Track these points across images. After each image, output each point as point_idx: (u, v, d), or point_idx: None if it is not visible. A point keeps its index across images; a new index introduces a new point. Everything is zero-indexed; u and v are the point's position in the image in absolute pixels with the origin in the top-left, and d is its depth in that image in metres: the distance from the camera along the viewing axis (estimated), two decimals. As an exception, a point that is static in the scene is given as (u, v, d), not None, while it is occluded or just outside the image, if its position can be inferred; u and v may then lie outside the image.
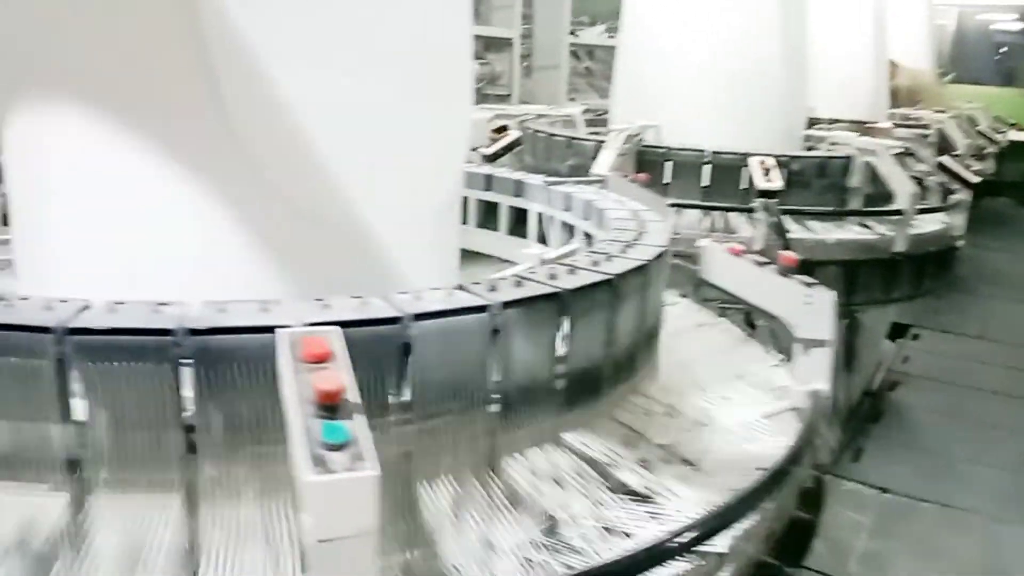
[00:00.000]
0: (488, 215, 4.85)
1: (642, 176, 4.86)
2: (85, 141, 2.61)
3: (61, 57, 2.61)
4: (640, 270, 2.81)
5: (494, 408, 2.37)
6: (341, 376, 1.74)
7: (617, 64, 8.42)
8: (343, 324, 2.05)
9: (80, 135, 2.61)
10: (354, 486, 1.55)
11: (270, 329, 2.02)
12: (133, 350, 1.99)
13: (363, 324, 2.11)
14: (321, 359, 1.83)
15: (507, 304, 2.32)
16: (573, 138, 7.13)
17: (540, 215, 4.60)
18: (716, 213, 6.53)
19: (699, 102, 7.44)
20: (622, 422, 2.75)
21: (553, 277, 2.57)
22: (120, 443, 2.04)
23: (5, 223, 4.12)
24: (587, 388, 2.64)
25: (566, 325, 2.48)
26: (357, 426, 1.67)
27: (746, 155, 6.32)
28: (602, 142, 6.97)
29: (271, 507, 2.05)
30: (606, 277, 2.62)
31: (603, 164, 6.57)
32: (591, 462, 2.52)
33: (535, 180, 4.69)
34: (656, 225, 3.45)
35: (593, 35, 15.71)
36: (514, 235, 4.77)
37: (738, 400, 3.11)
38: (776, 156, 6.31)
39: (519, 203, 4.72)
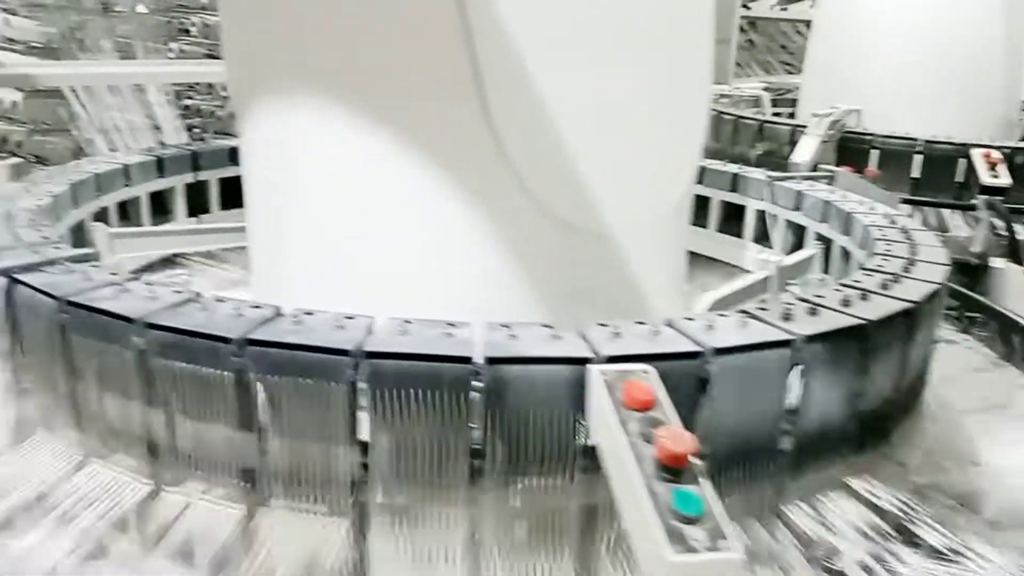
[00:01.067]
0: (696, 210, 4.56)
1: (872, 171, 4.44)
2: (345, 147, 2.52)
3: (323, 59, 2.52)
4: (936, 295, 2.49)
5: (783, 451, 2.13)
6: (685, 435, 1.54)
7: (812, 40, 7.87)
8: (641, 358, 1.86)
9: (340, 141, 2.51)
10: (719, 569, 1.36)
11: (569, 361, 1.86)
12: (428, 378, 1.86)
13: (661, 358, 1.91)
14: (645, 406, 1.64)
15: (811, 338, 2.06)
16: (765, 121, 6.68)
17: (760, 213, 4.29)
18: (928, 209, 5.98)
19: (907, 85, 6.83)
20: (908, 468, 2.45)
21: (847, 303, 2.29)
22: (403, 468, 1.93)
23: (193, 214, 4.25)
24: (876, 430, 2.36)
25: (867, 360, 2.21)
26: (708, 495, 1.47)
27: (966, 145, 5.72)
28: (798, 127, 6.53)
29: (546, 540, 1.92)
30: (907, 305, 2.32)
31: (804, 152, 6.14)
32: (882, 513, 2.25)
33: (755, 174, 4.37)
34: (923, 235, 3.10)
35: (765, 7, 14.91)
36: (724, 232, 4.48)
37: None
38: (1001, 147, 5.68)
39: (734, 198, 4.42)
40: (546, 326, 2.06)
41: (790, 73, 11.99)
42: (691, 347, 1.98)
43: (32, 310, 2.19)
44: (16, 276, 2.22)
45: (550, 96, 2.57)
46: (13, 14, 8.67)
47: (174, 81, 7.83)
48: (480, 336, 1.97)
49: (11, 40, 8.61)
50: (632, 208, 2.94)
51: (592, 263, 2.88)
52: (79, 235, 3.48)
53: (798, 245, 4.07)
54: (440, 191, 2.51)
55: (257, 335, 1.91)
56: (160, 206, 4.08)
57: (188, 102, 9.43)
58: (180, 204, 4.14)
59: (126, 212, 3.90)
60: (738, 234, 4.40)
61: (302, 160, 2.66)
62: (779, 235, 4.15)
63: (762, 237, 4.34)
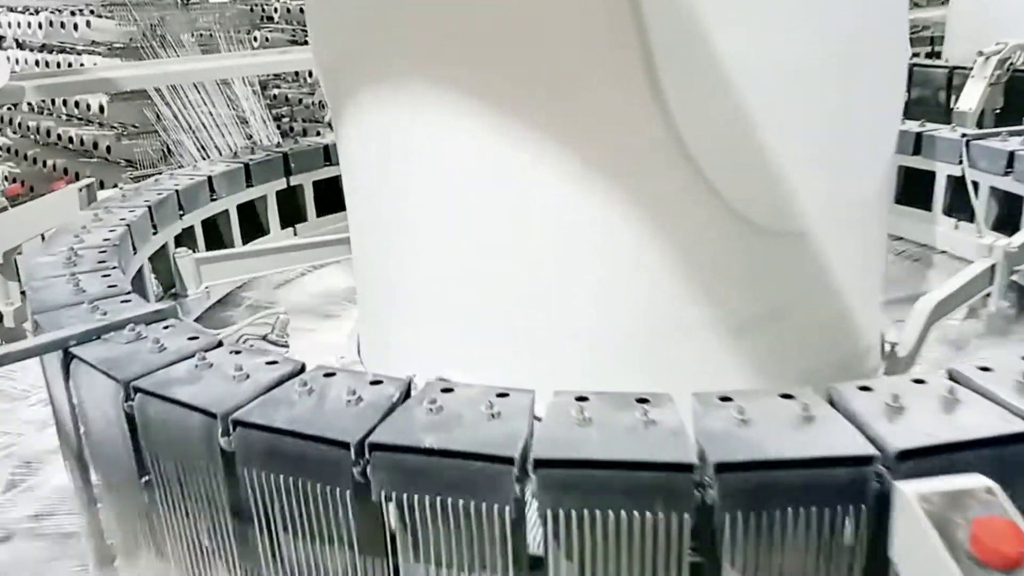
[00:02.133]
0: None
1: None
2: (482, 153, 1.95)
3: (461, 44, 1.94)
4: None
5: None
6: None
7: (961, -32, 6.84)
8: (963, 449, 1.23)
9: (476, 146, 1.94)
10: None
11: (846, 462, 1.25)
12: (634, 491, 1.28)
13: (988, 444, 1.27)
14: (1015, 564, 1.01)
15: None
16: (915, 65, 5.77)
17: (954, 179, 3.52)
18: None
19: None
20: None
21: None
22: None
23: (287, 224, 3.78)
24: None
25: None
26: None
27: None
28: (957, 68, 5.61)
29: None
30: None
31: (970, 98, 5.24)
32: None
33: (944, 132, 3.59)
34: None
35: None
36: (903, 204, 3.73)
37: None
38: None
39: (917, 163, 3.66)
40: (785, 395, 1.44)
41: (917, 5, 10.74)
42: None
43: (91, 392, 1.71)
44: (72, 349, 1.73)
45: (732, 68, 1.94)
46: (95, 15, 8.45)
47: (259, 73, 7.41)
48: (699, 423, 1.37)
49: (94, 43, 8.38)
50: (833, 195, 2.28)
51: (789, 274, 2.24)
52: (162, 264, 3.04)
53: (1009, 219, 3.30)
54: (605, 200, 1.92)
55: (383, 436, 1.37)
56: (250, 218, 3.62)
57: (275, 91, 9.07)
58: (273, 215, 3.67)
59: (214, 229, 3.45)
60: (925, 206, 3.65)
61: (422, 171, 2.11)
62: (982, 207, 3.38)
63: (955, 209, 3.57)
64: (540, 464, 1.30)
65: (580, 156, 1.90)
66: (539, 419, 1.46)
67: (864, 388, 1.45)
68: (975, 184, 3.40)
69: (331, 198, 3.77)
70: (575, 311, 2.08)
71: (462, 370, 2.14)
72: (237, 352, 1.69)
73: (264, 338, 2.31)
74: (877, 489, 1.27)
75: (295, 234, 3.74)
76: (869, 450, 1.29)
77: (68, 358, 1.74)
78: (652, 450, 1.29)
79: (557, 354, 2.13)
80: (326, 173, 3.78)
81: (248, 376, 1.58)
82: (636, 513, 1.28)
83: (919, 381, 1.47)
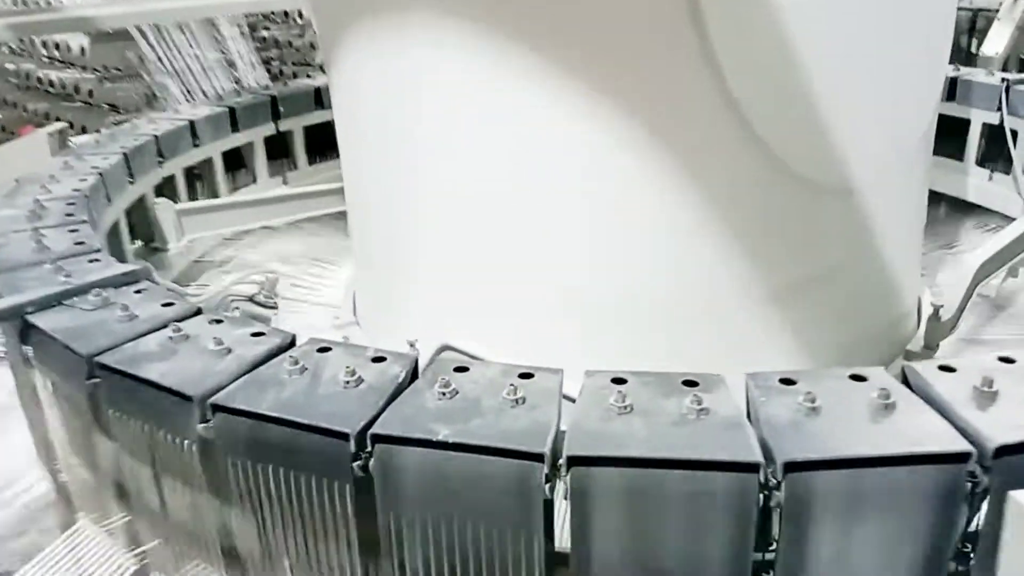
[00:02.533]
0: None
1: None
2: (510, 100, 1.72)
3: None
4: None
5: None
6: None
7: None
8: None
9: (502, 93, 1.71)
10: None
11: (942, 459, 1.05)
12: (681, 490, 1.08)
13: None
14: None
15: None
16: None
17: (991, 128, 3.28)
18: None
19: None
20: None
21: None
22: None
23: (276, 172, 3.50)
24: None
25: None
26: None
27: None
28: (982, 11, 5.33)
29: None
30: None
31: (997, 42, 4.98)
32: None
33: (981, 77, 3.34)
34: None
35: None
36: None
37: None
38: None
39: (951, 110, 3.41)
40: (855, 376, 1.24)
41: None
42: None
43: (51, 367, 1.51)
44: (30, 317, 1.52)
45: (778, 9, 1.70)
46: (73, -49, 8.03)
47: (247, 12, 7.05)
48: (759, 410, 1.17)
49: (72, -21, 7.97)
50: (882, 144, 2.06)
51: (837, 232, 2.04)
52: (140, 215, 2.80)
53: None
54: (642, 152, 1.69)
55: (388, 427, 1.16)
56: (236, 166, 3.37)
57: (264, 33, 8.69)
58: (260, 162, 3.41)
59: (197, 179, 3.20)
60: (957, 156, 3.42)
61: (433, 112, 1.86)
62: (1021, 157, 3.15)
63: (989, 159, 3.34)
64: (575, 462, 1.10)
65: (615, 103, 1.68)
66: (570, 400, 1.26)
67: (946, 368, 1.25)
68: (1014, 133, 3.17)
69: (323, 143, 3.53)
70: (605, 273, 1.87)
71: (474, 338, 1.95)
72: (218, 321, 1.48)
73: (251, 299, 2.09)
74: (970, 490, 1.08)
75: (284, 183, 3.50)
76: (961, 445, 1.09)
77: (26, 327, 1.53)
78: (708, 446, 1.09)
79: (582, 320, 1.94)
80: (318, 118, 3.53)
81: (230, 350, 1.37)
82: (687, 518, 1.09)
83: (1007, 360, 1.27)
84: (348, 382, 1.25)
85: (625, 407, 1.17)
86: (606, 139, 1.72)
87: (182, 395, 1.26)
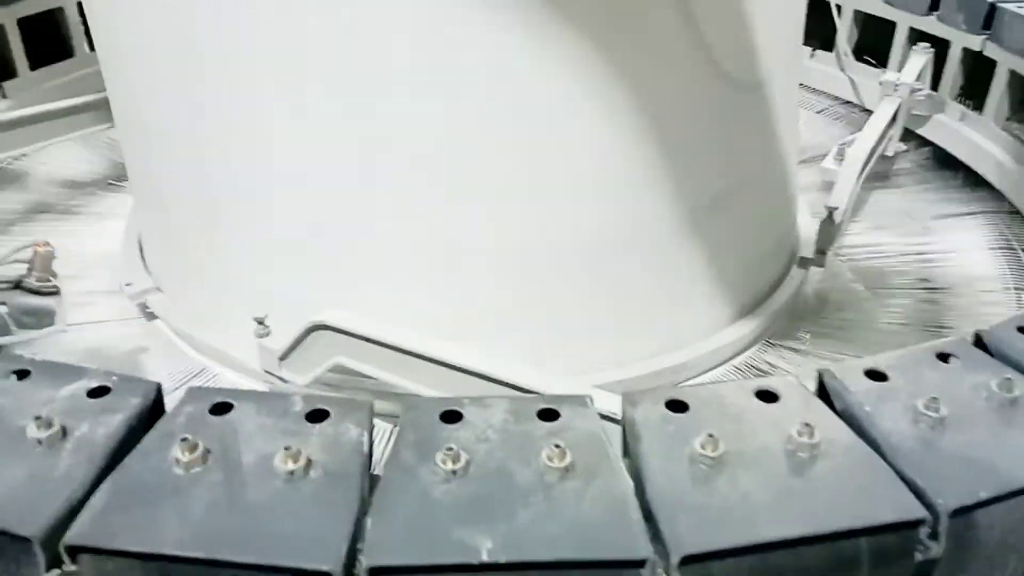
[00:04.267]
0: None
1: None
2: None
3: None
4: None
5: None
6: None
7: None
8: None
9: None
10: None
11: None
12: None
13: None
14: None
15: None
16: None
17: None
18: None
19: None
20: None
21: None
22: None
23: None
24: None
25: None
26: None
27: None
28: None
29: None
30: None
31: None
32: None
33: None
34: None
35: None
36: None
37: None
38: None
39: None
40: (942, 356, 0.98)
41: None
42: None
43: None
44: None
45: None
46: None
47: None
48: (880, 433, 0.88)
49: None
50: (781, 35, 1.80)
51: (749, 137, 1.78)
52: None
53: (869, 46, 3.03)
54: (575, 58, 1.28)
55: (391, 551, 0.74)
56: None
57: None
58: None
59: None
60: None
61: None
62: (844, 31, 3.07)
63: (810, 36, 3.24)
64: (689, 560, 0.75)
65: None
66: (612, 420, 0.91)
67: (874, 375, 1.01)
68: (839, 7, 3.07)
69: (48, 41, 2.71)
70: (521, 207, 1.49)
71: (355, 307, 1.51)
72: (22, 374, 0.92)
73: (19, 286, 1.47)
74: None
75: (3, 97, 2.65)
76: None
77: None
78: (853, 506, 0.79)
79: (494, 269, 1.56)
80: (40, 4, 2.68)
81: (65, 432, 0.84)
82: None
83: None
84: (292, 471, 0.79)
85: (713, 458, 0.83)
86: (525, 40, 1.29)
87: (10, 535, 0.74)
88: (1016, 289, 2.11)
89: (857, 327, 2.02)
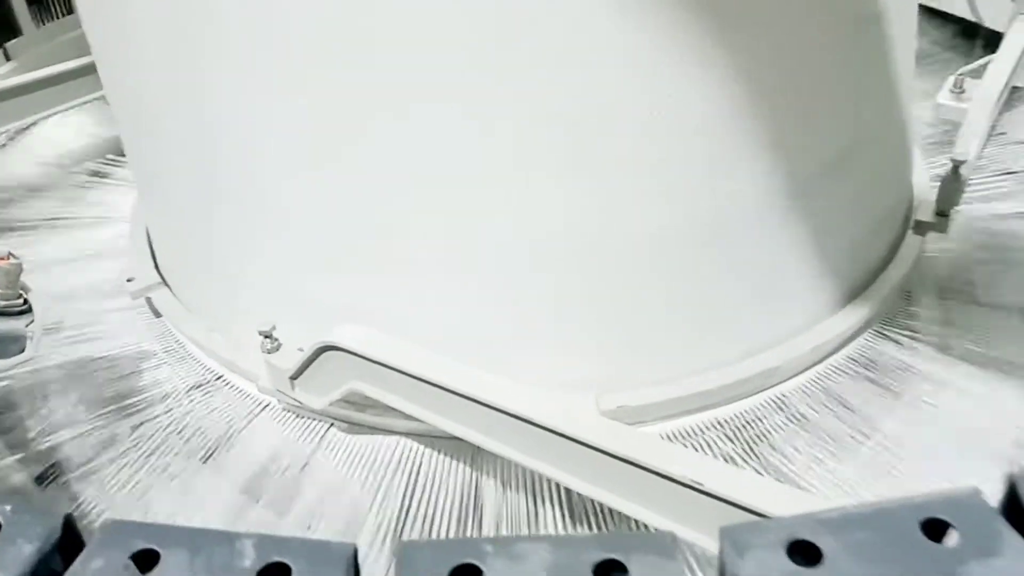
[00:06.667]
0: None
1: None
2: None
3: None
4: None
5: None
6: None
7: None
8: None
9: None
10: None
11: None
12: None
13: None
14: None
15: None
16: None
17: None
18: None
19: None
20: None
21: None
22: None
23: None
24: None
25: None
26: None
27: None
28: None
29: None
30: None
31: None
32: None
33: None
34: None
35: None
36: None
37: None
38: None
39: None
40: None
41: None
42: None
43: None
44: None
45: None
46: None
47: None
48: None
49: None
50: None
51: (877, 78, 1.41)
52: None
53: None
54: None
55: None
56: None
57: None
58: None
59: None
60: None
61: None
62: None
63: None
64: None
65: None
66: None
67: None
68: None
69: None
70: (589, 200, 1.18)
71: (383, 324, 1.25)
72: None
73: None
74: None
75: (7, 59, 2.42)
76: None
77: None
78: None
79: (554, 269, 1.26)
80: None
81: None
82: None
83: None
84: None
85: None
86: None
87: None
88: None
89: (987, 306, 1.66)
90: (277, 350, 1.35)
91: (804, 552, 0.61)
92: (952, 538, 0.63)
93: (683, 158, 1.25)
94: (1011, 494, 0.66)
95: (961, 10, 2.62)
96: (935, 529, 0.63)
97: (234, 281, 1.45)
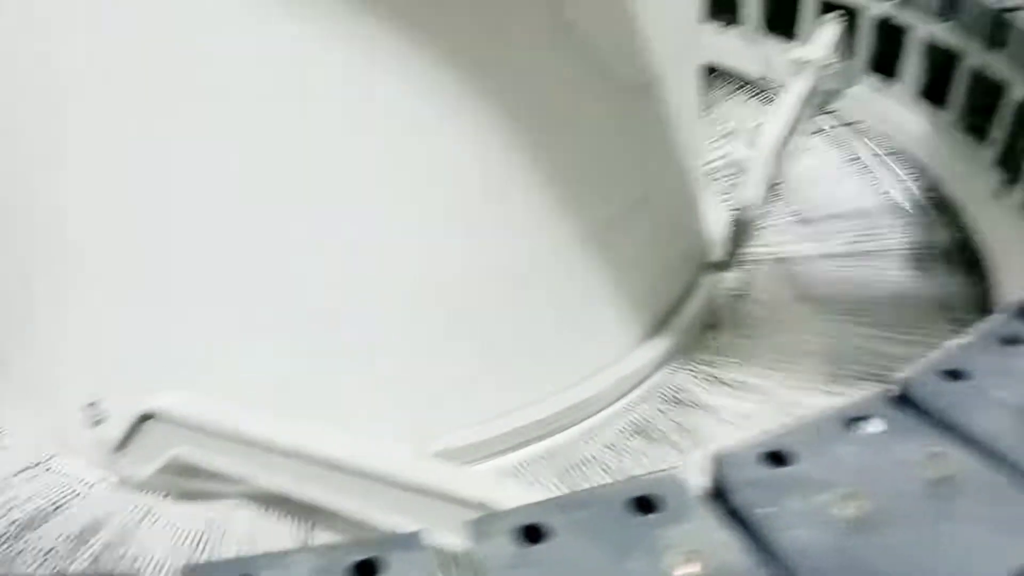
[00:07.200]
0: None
1: None
2: None
3: None
4: None
5: None
6: None
7: None
8: None
9: None
10: None
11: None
12: None
13: None
14: None
15: None
16: None
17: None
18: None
19: None
20: None
21: None
22: None
23: None
24: None
25: None
26: None
27: None
28: None
29: None
30: None
31: None
32: None
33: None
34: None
35: None
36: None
37: None
38: None
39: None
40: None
41: None
42: None
43: None
44: None
45: None
46: None
47: None
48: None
49: None
50: (668, 30, 1.61)
51: (648, 140, 1.59)
52: None
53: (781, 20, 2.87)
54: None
55: None
56: None
57: None
58: None
59: None
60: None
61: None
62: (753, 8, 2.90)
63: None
64: None
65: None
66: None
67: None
68: None
69: None
70: (406, 251, 1.28)
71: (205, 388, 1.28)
72: None
73: None
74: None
75: None
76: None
77: None
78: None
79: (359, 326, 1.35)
80: None
81: None
82: None
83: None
84: None
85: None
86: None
87: None
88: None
89: (774, 336, 1.85)
90: (100, 423, 1.38)
91: (531, 535, 0.72)
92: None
93: (480, 211, 1.37)
94: (904, 392, 0.80)
95: (755, 67, 2.95)
96: (643, 505, 0.75)
97: (53, 354, 1.46)
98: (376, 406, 1.44)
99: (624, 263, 1.62)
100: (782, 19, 2.85)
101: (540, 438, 1.58)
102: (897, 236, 2.11)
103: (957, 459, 0.76)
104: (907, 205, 2.22)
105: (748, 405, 1.66)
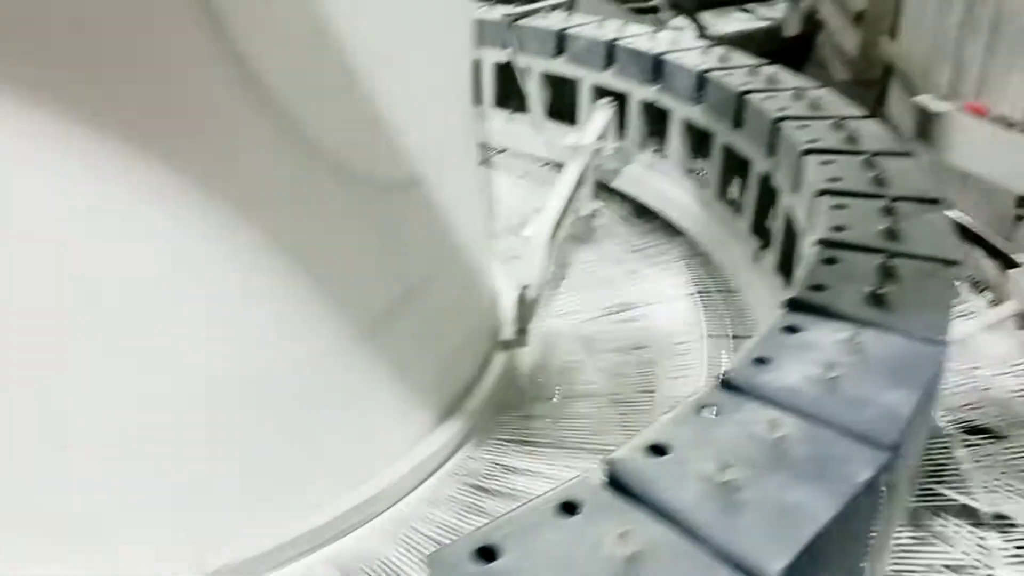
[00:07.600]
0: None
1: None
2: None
3: None
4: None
5: None
6: None
7: None
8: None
9: None
10: None
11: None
12: None
13: None
14: None
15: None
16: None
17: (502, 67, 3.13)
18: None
19: None
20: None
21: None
22: None
23: None
24: None
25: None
26: None
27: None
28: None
29: None
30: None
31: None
32: None
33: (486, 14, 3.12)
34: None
35: None
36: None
37: None
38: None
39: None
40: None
41: None
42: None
43: None
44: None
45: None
46: None
47: None
48: None
49: None
50: (428, 133, 1.68)
51: (415, 234, 1.63)
52: None
53: (559, 107, 3.04)
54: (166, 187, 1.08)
55: None
56: None
57: None
58: None
59: None
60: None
61: None
62: (536, 95, 3.06)
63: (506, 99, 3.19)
64: None
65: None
66: None
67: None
68: (526, 71, 3.07)
69: None
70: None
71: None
72: None
73: None
74: None
75: None
76: None
77: None
78: None
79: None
80: None
81: None
82: None
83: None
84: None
85: None
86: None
87: None
88: (710, 336, 2.09)
89: (565, 399, 1.92)
90: None
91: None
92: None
93: (251, 322, 1.36)
94: (610, 472, 0.91)
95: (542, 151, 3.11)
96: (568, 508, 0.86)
97: None
98: (155, 533, 1.38)
99: (404, 354, 1.64)
100: (563, 106, 3.04)
101: (337, 537, 1.54)
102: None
103: (647, 535, 0.82)
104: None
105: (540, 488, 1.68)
